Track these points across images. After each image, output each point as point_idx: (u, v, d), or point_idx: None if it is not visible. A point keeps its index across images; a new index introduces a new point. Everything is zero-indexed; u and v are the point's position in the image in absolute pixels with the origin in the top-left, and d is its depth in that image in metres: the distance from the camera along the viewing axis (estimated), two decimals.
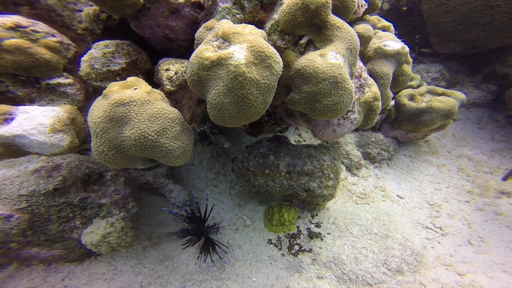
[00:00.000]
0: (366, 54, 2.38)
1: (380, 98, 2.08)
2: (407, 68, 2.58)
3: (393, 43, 2.32)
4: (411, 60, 2.64)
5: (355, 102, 1.96)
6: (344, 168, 3.48)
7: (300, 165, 2.43)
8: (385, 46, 2.28)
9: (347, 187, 3.32)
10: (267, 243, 2.66)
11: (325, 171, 2.46)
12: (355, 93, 1.95)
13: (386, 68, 2.28)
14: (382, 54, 2.29)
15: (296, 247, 2.57)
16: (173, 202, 2.84)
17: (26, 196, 1.95)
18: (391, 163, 3.73)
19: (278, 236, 2.68)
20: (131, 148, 1.52)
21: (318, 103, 1.60)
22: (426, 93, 3.42)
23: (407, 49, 2.39)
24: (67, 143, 1.81)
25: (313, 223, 2.75)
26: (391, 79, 2.37)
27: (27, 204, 1.95)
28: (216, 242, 2.47)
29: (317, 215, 2.83)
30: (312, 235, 2.61)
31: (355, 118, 1.99)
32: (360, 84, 1.97)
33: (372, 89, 2.04)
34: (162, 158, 1.62)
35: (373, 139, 3.60)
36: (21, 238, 2.02)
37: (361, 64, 2.06)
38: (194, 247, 2.59)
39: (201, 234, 2.57)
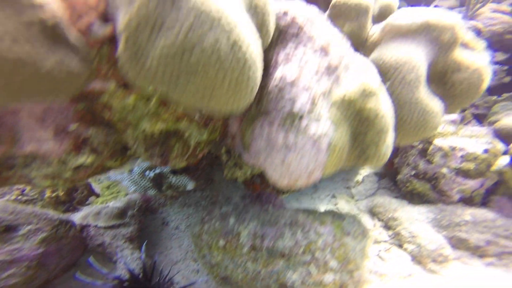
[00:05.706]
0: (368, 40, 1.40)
1: (379, 96, 1.03)
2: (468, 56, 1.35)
3: (409, 13, 1.29)
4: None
5: (318, 98, 0.99)
6: (408, 257, 1.97)
7: (271, 236, 1.38)
8: (396, 20, 1.28)
9: None
10: None
11: (317, 252, 1.32)
12: (317, 83, 1.00)
13: (404, 52, 1.23)
14: (395, 32, 1.28)
15: None
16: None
17: None
18: None
19: None
20: None
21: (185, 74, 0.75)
22: None
23: (453, 20, 1.28)
24: None
25: None
26: (425, 75, 1.25)
27: None
28: None
29: None
30: None
31: (321, 133, 0.98)
32: (328, 65, 1.02)
33: (360, 79, 1.04)
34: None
35: (467, 218, 2.09)
36: None
37: (332, 28, 1.12)
38: None
39: None
